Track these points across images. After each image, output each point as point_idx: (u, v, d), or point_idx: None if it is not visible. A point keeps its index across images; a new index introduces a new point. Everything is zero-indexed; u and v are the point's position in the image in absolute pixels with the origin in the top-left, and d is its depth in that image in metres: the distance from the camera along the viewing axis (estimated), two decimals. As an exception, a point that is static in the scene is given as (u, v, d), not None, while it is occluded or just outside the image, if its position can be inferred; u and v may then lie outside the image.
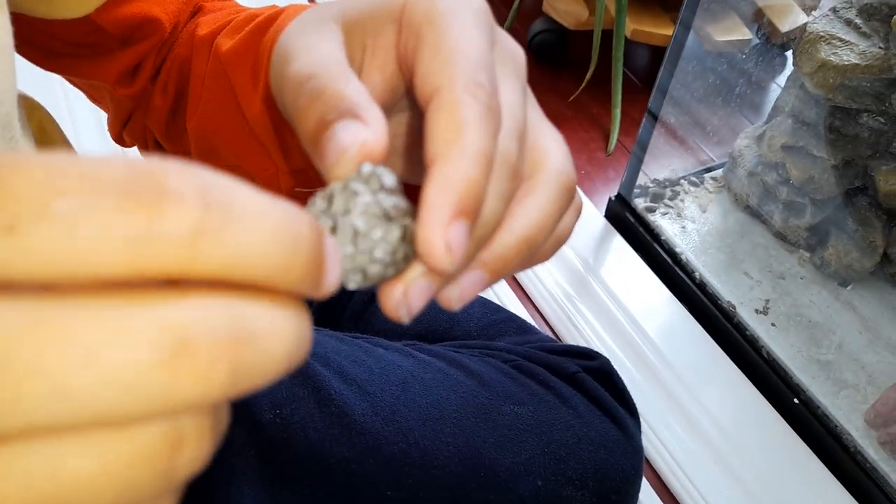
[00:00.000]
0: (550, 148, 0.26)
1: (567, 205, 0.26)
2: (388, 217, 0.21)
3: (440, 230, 0.20)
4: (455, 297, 0.23)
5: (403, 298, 0.22)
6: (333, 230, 0.21)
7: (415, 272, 0.22)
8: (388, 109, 0.28)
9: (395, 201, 0.21)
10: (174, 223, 0.13)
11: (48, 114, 0.43)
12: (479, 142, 0.21)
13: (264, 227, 0.14)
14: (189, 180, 0.13)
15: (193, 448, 0.14)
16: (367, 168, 0.21)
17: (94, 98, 0.47)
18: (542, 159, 0.25)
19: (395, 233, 0.21)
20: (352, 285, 0.22)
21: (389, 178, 0.22)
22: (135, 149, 0.48)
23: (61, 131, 0.44)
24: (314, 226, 0.16)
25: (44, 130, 0.42)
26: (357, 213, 0.21)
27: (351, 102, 0.22)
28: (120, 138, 0.47)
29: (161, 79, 0.42)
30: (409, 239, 0.22)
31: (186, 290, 0.13)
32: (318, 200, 0.21)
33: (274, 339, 0.14)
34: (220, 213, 0.13)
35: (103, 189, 0.12)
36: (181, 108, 0.42)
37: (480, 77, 0.22)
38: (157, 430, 0.13)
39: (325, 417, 0.49)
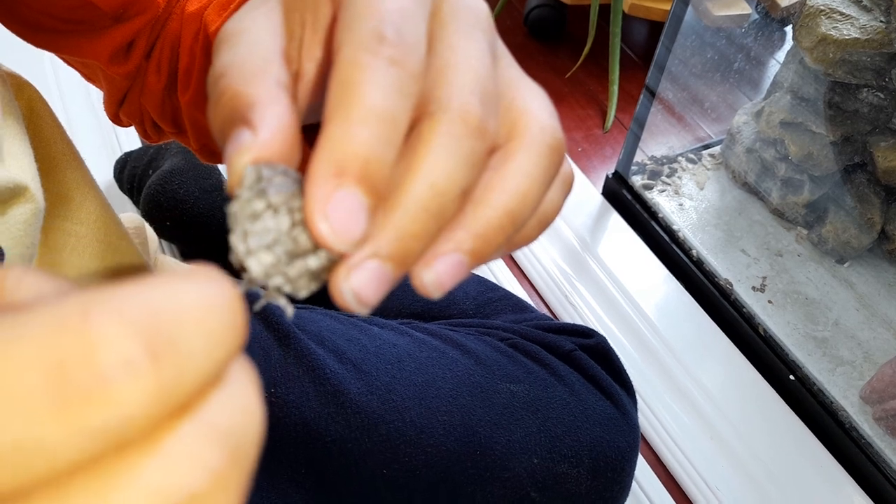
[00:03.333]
0: (531, 105, 0.23)
1: (555, 169, 0.22)
2: (273, 207, 0.19)
3: (319, 204, 0.18)
4: (430, 282, 0.21)
5: (348, 287, 0.19)
6: (235, 247, 0.19)
7: (357, 255, 0.19)
8: None
9: (278, 188, 0.19)
10: (130, 400, 0.11)
11: (38, 92, 0.43)
12: (370, 99, 0.19)
13: (212, 329, 0.13)
14: (127, 333, 0.11)
15: None
16: (249, 170, 0.19)
17: (88, 77, 0.46)
18: (521, 119, 0.22)
19: (283, 219, 0.19)
20: (298, 292, 0.20)
21: (268, 170, 0.19)
22: (132, 129, 0.47)
23: (51, 111, 0.44)
24: (225, 279, 0.14)
25: (33, 110, 0.42)
26: (244, 216, 0.19)
27: (246, 104, 0.20)
28: (116, 118, 0.46)
29: (154, 56, 0.41)
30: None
31: (160, 436, 0.12)
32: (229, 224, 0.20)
33: (251, 417, 0.14)
34: (175, 356, 0.12)
35: (27, 400, 0.11)
36: (176, 86, 0.41)
37: (384, 30, 0.20)
38: None
39: (321, 396, 0.49)
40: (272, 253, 0.19)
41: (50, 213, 0.41)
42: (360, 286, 0.19)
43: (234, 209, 0.19)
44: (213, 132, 0.22)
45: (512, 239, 0.23)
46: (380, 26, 0.20)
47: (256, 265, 0.19)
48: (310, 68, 0.23)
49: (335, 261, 0.20)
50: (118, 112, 0.46)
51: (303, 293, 0.20)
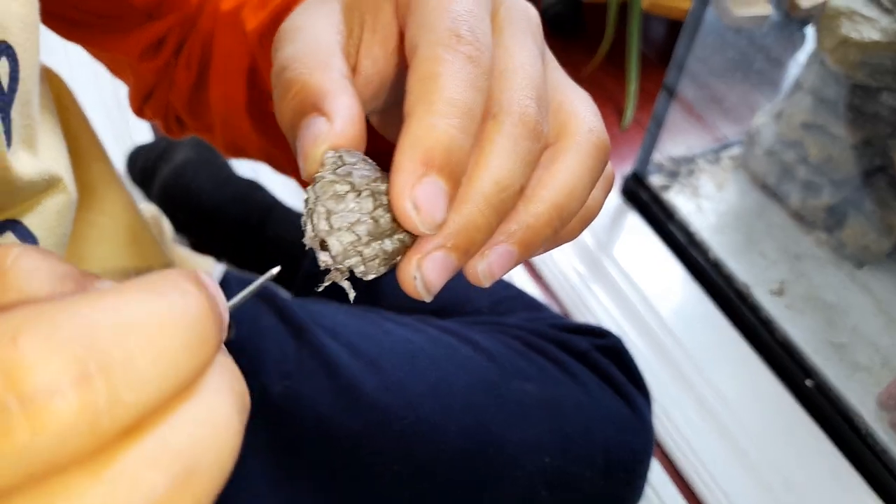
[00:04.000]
0: (578, 109, 0.24)
1: (600, 168, 0.24)
2: (355, 188, 0.20)
3: (406, 189, 0.19)
4: (482, 272, 0.22)
5: (418, 272, 0.21)
6: (314, 225, 0.21)
7: (427, 244, 0.21)
8: (396, 82, 0.27)
9: (361, 172, 0.21)
10: (61, 425, 0.11)
11: (65, 85, 0.43)
12: (450, 92, 0.20)
13: (164, 345, 0.12)
14: (57, 354, 0.11)
15: None
16: (329, 155, 0.21)
17: (115, 71, 0.46)
18: (569, 121, 0.24)
19: (367, 201, 0.20)
20: (364, 274, 0.21)
21: (350, 155, 0.21)
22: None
23: (77, 104, 0.45)
24: (203, 286, 0.14)
25: (61, 102, 0.42)
26: (326, 196, 0.20)
27: (317, 95, 0.22)
28: (141, 111, 0.47)
29: (185, 53, 0.41)
30: (388, 205, 0.21)
31: (102, 460, 0.12)
32: (304, 206, 0.21)
33: (220, 433, 0.13)
34: (109, 375, 0.12)
35: None
36: (204, 84, 0.41)
37: (459, 29, 0.21)
38: None
39: (335, 390, 0.49)
40: (353, 233, 0.20)
41: (78, 204, 0.41)
42: (428, 273, 0.21)
43: (315, 191, 0.20)
44: (281, 122, 0.23)
45: (558, 233, 0.24)
46: (455, 25, 0.21)
47: (337, 244, 0.20)
48: (367, 65, 0.24)
49: (407, 246, 0.21)
50: (143, 106, 0.46)
51: (371, 275, 0.21)
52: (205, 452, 0.13)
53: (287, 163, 0.41)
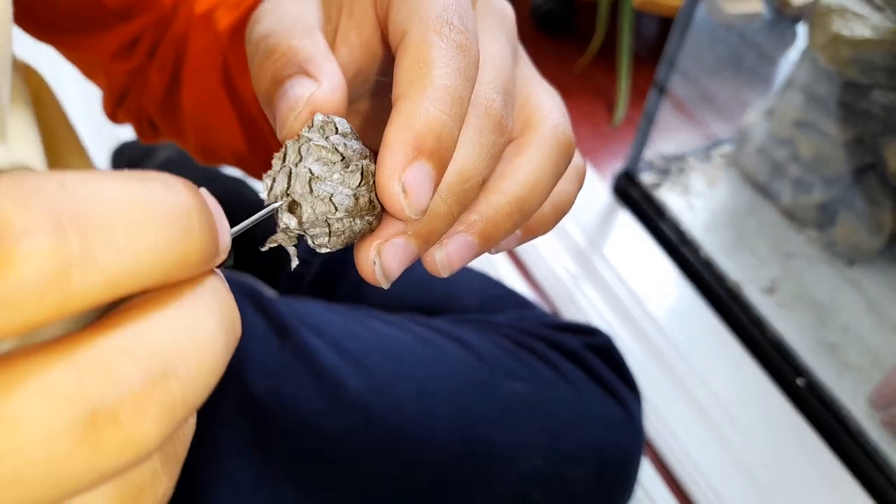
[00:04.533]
0: (544, 104, 0.24)
1: (564, 164, 0.24)
2: (345, 160, 0.20)
3: (396, 171, 0.19)
4: (440, 261, 0.22)
5: (377, 257, 0.20)
6: (289, 184, 0.20)
7: (389, 229, 0.20)
8: (368, 74, 0.26)
9: (353, 145, 0.20)
10: (32, 269, 0.11)
11: (44, 81, 0.43)
12: (443, 79, 0.20)
13: (142, 223, 0.12)
14: (37, 205, 0.11)
15: (156, 489, 0.13)
16: (319, 118, 0.20)
17: (89, 74, 0.46)
18: (534, 115, 0.24)
19: (354, 175, 0.20)
20: (321, 248, 0.20)
21: (344, 124, 0.20)
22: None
23: (56, 99, 0.44)
24: (192, 189, 0.14)
25: (38, 97, 0.42)
26: (311, 159, 0.20)
27: (302, 58, 0.21)
28: (114, 115, 0.47)
29: (158, 55, 0.41)
30: (372, 185, 0.20)
31: (76, 343, 0.12)
32: (274, 161, 0.20)
33: (201, 346, 0.13)
34: (82, 232, 0.11)
35: None
36: (177, 86, 0.41)
37: (450, 16, 0.21)
38: (106, 494, 0.12)
39: (319, 390, 0.48)
40: (328, 203, 0.19)
41: None
42: (387, 259, 0.20)
43: (300, 151, 0.20)
44: (259, 89, 0.22)
45: (528, 227, 0.24)
46: (446, 13, 0.21)
47: (311, 210, 0.19)
48: (343, 53, 0.24)
49: (373, 228, 0.21)
50: (116, 110, 0.46)
51: (325, 249, 0.20)
52: (184, 360, 0.13)
53: (260, 166, 0.40)
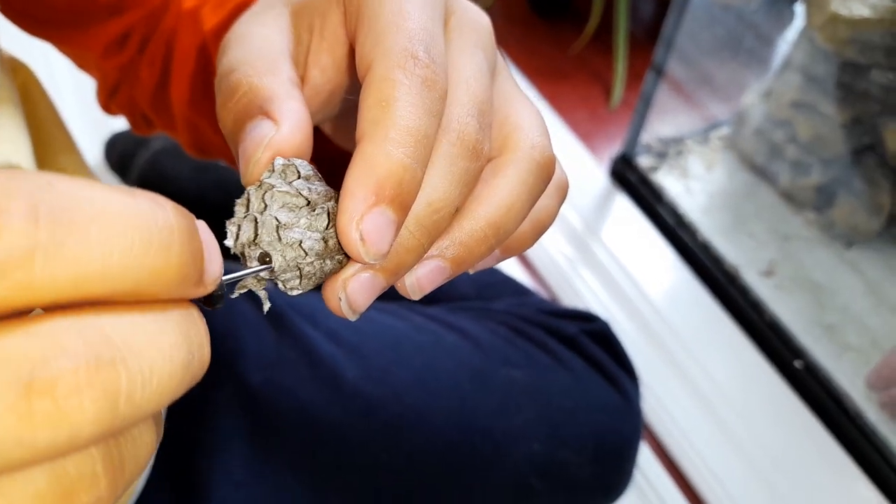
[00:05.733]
0: (523, 122, 0.23)
1: (542, 185, 0.23)
2: (310, 204, 0.20)
3: (354, 218, 0.19)
4: (410, 286, 0.22)
5: (343, 295, 0.20)
6: (257, 233, 0.19)
7: (356, 265, 0.20)
8: (344, 93, 0.26)
9: (317, 188, 0.20)
10: (3, 243, 0.11)
11: (33, 76, 0.43)
12: (406, 119, 0.19)
13: (118, 228, 0.12)
14: (16, 192, 0.12)
15: (92, 494, 0.13)
16: (279, 161, 0.20)
17: (82, 66, 0.46)
18: (512, 135, 0.23)
19: (321, 218, 0.20)
20: (293, 290, 0.20)
21: (306, 167, 0.20)
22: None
23: (46, 94, 0.44)
24: (182, 213, 0.14)
25: (27, 93, 0.42)
26: (276, 206, 0.19)
27: (263, 98, 0.21)
28: (108, 107, 0.47)
29: (149, 51, 0.41)
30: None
31: (31, 318, 0.12)
32: (237, 208, 0.20)
33: (157, 353, 0.13)
34: (55, 223, 0.12)
35: None
36: (167, 82, 0.41)
37: (416, 49, 0.20)
38: (37, 481, 0.12)
39: (316, 380, 0.48)
40: (297, 249, 0.19)
41: None
42: (353, 294, 0.20)
43: (263, 199, 0.20)
44: (223, 127, 0.22)
45: (506, 246, 0.24)
46: (411, 45, 0.20)
47: (281, 259, 0.19)
48: (316, 74, 0.24)
49: (343, 265, 0.20)
50: (109, 102, 0.46)
51: (297, 291, 0.20)
52: (136, 358, 0.13)
53: None
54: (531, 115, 0.24)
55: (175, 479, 0.43)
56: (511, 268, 0.94)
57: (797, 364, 0.84)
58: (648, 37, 1.29)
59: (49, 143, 0.43)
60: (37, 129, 0.41)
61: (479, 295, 0.64)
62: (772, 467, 0.77)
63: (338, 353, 0.49)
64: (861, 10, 0.84)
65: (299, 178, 0.20)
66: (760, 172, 1.04)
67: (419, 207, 0.20)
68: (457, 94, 0.21)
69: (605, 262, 0.94)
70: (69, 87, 1.03)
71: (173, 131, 0.44)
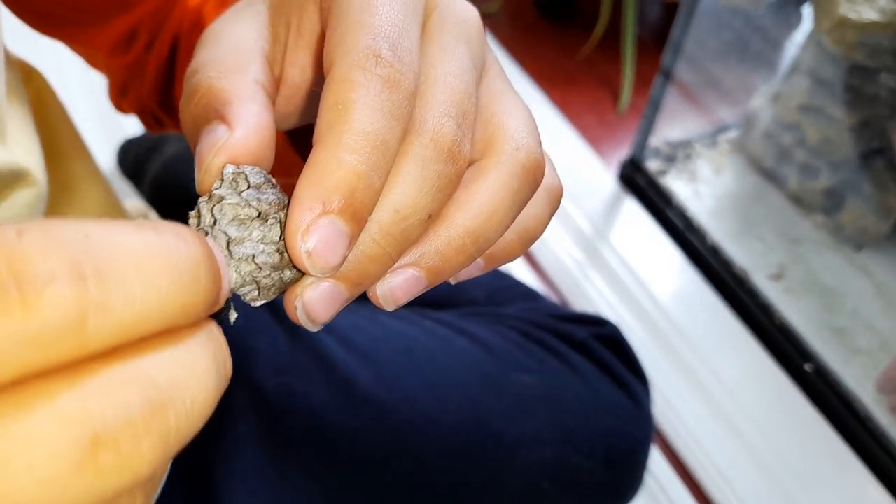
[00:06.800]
0: (509, 122, 0.22)
1: (527, 190, 0.22)
2: (261, 215, 0.19)
3: (299, 229, 0.18)
4: (382, 296, 0.21)
5: (300, 304, 0.19)
6: (221, 250, 0.19)
7: (313, 278, 0.19)
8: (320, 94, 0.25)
9: (269, 197, 0.19)
10: (52, 313, 0.11)
11: (46, 82, 0.43)
12: (363, 123, 0.18)
13: (154, 271, 0.13)
14: (57, 252, 0.12)
15: None
16: (229, 170, 0.19)
17: (93, 65, 0.46)
18: (496, 136, 0.22)
19: (274, 229, 0.19)
20: (255, 302, 0.19)
21: (256, 175, 0.19)
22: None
23: (58, 101, 0.45)
24: (201, 240, 0.14)
25: (40, 99, 0.42)
26: (226, 220, 0.18)
27: (222, 101, 0.20)
28: (120, 105, 0.47)
29: (156, 49, 0.41)
30: None
31: (82, 371, 0.12)
32: (190, 221, 0.19)
33: (195, 382, 0.14)
34: (100, 280, 0.12)
35: None
36: (174, 80, 0.41)
37: (379, 47, 0.19)
38: None
39: (329, 385, 0.48)
40: (253, 262, 0.18)
41: (55, 201, 0.41)
42: (311, 304, 0.19)
43: (213, 212, 0.19)
44: (183, 128, 0.21)
45: (490, 255, 0.23)
46: (374, 43, 0.19)
47: (236, 275, 0.19)
48: (294, 73, 0.23)
49: (303, 274, 0.19)
50: (121, 101, 0.46)
51: (260, 302, 0.19)
52: (180, 393, 0.13)
53: None
54: (519, 115, 0.22)
55: (190, 486, 0.44)
56: (521, 272, 0.94)
57: (807, 367, 0.84)
58: (656, 41, 1.29)
59: (63, 149, 0.43)
60: (50, 135, 0.41)
61: (489, 300, 0.64)
62: (782, 470, 0.78)
63: (350, 359, 0.49)
64: (870, 14, 0.84)
65: (249, 187, 0.19)
66: (769, 176, 1.04)
67: (384, 215, 0.19)
68: (433, 92, 0.20)
69: (614, 266, 0.94)
70: (81, 92, 1.04)
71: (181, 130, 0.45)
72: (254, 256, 0.18)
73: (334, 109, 0.18)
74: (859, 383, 0.83)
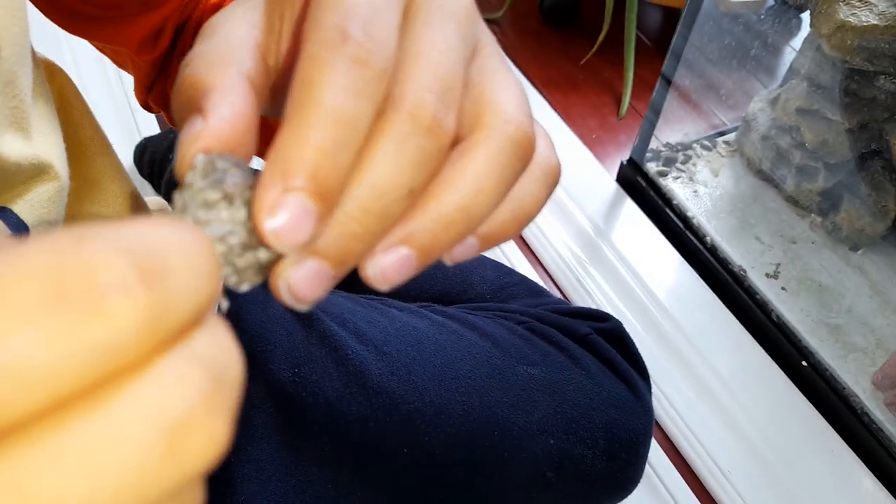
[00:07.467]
0: (499, 97, 0.21)
1: (518, 164, 0.21)
2: (228, 198, 0.19)
3: (264, 207, 0.18)
4: (374, 276, 0.20)
5: (284, 284, 0.19)
6: None
7: (296, 254, 0.19)
8: None
9: (235, 180, 0.19)
10: (125, 320, 0.12)
11: (69, 80, 0.43)
12: (329, 100, 0.18)
13: (198, 266, 0.13)
14: (119, 257, 0.12)
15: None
16: (199, 159, 0.19)
17: (119, 63, 0.46)
18: (485, 110, 0.21)
19: (240, 211, 0.19)
20: (236, 285, 0.19)
21: (224, 159, 0.19)
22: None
23: (82, 98, 0.44)
24: (199, 231, 0.15)
25: (64, 97, 0.42)
26: (194, 206, 0.19)
27: (202, 93, 0.20)
28: (146, 104, 0.47)
29: (179, 46, 0.41)
30: None
31: (152, 363, 0.13)
32: (168, 213, 0.20)
33: (231, 361, 0.14)
34: (163, 281, 0.12)
35: (26, 305, 0.11)
36: None
37: (348, 26, 0.19)
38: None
39: (343, 377, 0.49)
40: (224, 243, 0.18)
41: (78, 197, 0.41)
42: (296, 283, 0.19)
43: (184, 197, 0.19)
44: (175, 120, 0.21)
45: (485, 235, 0.22)
46: (344, 22, 0.19)
47: None
48: (289, 61, 0.22)
49: (282, 255, 0.19)
50: (147, 99, 0.46)
51: (245, 286, 0.19)
52: (227, 364, 0.14)
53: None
54: (509, 90, 0.22)
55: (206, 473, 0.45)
56: (525, 268, 0.96)
57: (804, 364, 0.86)
58: (656, 46, 1.31)
59: (86, 145, 0.44)
60: (73, 131, 0.42)
61: (494, 296, 0.65)
62: (779, 463, 0.79)
63: (363, 351, 0.50)
64: (869, 18, 0.85)
65: (215, 171, 0.19)
66: (767, 177, 1.06)
67: (362, 191, 0.19)
68: (414, 68, 0.20)
69: (614, 265, 0.95)
70: (97, 92, 1.05)
71: None
72: (222, 237, 0.18)
73: (300, 88, 0.18)
74: (855, 380, 0.84)
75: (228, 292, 0.20)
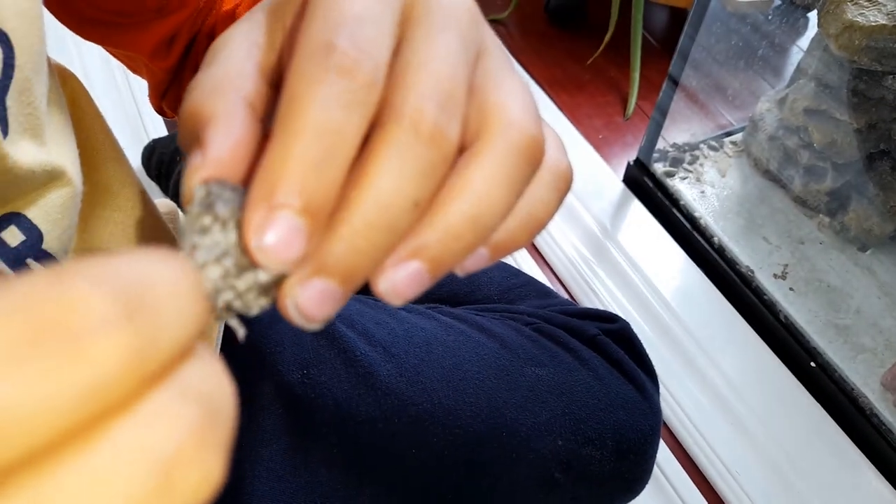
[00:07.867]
0: (504, 102, 0.21)
1: (526, 169, 0.21)
2: (221, 220, 0.18)
3: (251, 226, 0.18)
4: (386, 292, 0.20)
5: (292, 304, 0.19)
6: (189, 258, 0.19)
7: (301, 271, 0.19)
8: None
9: (227, 203, 0.19)
10: (109, 360, 0.11)
11: (81, 85, 0.43)
12: (314, 114, 0.18)
13: (184, 297, 0.13)
14: (100, 294, 0.12)
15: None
16: (200, 190, 0.19)
17: (133, 68, 0.47)
18: (490, 116, 0.20)
19: (232, 233, 0.18)
20: (242, 309, 0.19)
21: (219, 186, 0.19)
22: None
23: (93, 103, 0.45)
24: (179, 258, 0.14)
25: (75, 102, 0.43)
26: (191, 231, 0.19)
27: (200, 125, 0.20)
28: (160, 109, 0.47)
29: (193, 53, 0.41)
30: None
31: (139, 401, 0.12)
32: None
33: (220, 390, 0.14)
34: (146, 317, 0.12)
35: (4, 351, 0.10)
36: None
37: (335, 37, 0.18)
38: None
39: (352, 378, 0.49)
40: (220, 265, 0.18)
41: (91, 202, 0.42)
42: (304, 303, 0.19)
43: (182, 225, 0.19)
44: (183, 147, 0.21)
45: (495, 244, 0.22)
46: (330, 34, 0.18)
47: (205, 279, 0.18)
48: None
49: (285, 274, 0.19)
50: (161, 104, 0.47)
51: (254, 310, 0.19)
52: (219, 396, 0.14)
53: None
54: (515, 93, 0.21)
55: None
56: (532, 270, 0.96)
57: (812, 365, 0.85)
58: (662, 46, 1.31)
59: (98, 150, 0.44)
60: (85, 138, 0.42)
61: (502, 297, 0.65)
62: (787, 463, 0.79)
63: (372, 353, 0.50)
64: (877, 18, 0.85)
65: (209, 195, 0.19)
66: (774, 178, 1.05)
67: (365, 205, 0.18)
68: (412, 77, 0.19)
69: (621, 265, 0.96)
70: (105, 96, 1.06)
71: None
72: (217, 258, 0.18)
73: (286, 102, 0.18)
74: (864, 381, 0.84)
75: (243, 319, 0.20)
